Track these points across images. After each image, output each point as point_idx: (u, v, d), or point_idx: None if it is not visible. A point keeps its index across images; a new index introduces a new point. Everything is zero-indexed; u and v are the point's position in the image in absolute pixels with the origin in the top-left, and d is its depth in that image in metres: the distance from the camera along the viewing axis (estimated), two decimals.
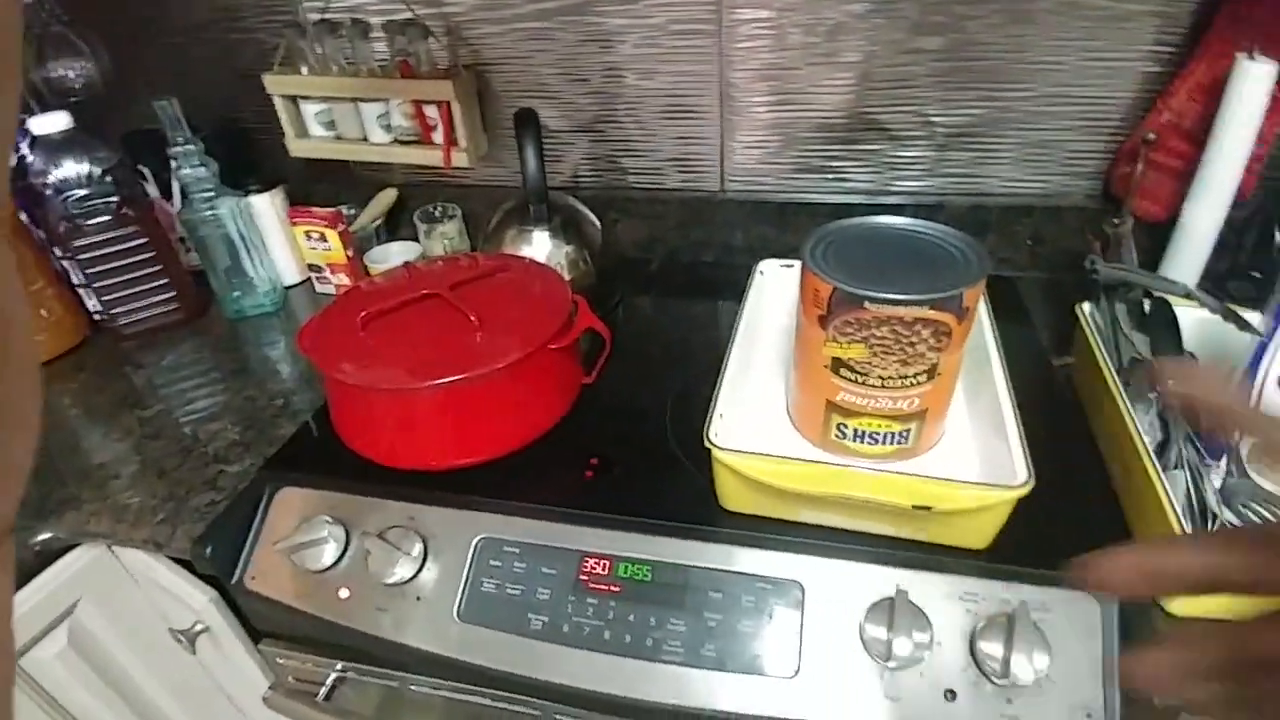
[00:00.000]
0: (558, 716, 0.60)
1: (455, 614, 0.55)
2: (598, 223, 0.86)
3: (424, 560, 0.57)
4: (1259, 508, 0.51)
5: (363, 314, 0.60)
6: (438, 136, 0.91)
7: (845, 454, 0.60)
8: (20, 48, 0.13)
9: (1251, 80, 0.68)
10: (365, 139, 0.94)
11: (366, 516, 0.59)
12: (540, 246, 0.80)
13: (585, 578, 0.55)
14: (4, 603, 0.14)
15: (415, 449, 0.59)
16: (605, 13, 0.85)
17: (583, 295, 0.83)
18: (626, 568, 0.55)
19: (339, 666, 0.65)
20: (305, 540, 0.57)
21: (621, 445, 0.66)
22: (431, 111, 0.90)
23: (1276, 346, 0.50)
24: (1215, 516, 0.49)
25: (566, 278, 0.82)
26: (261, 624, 0.66)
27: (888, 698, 0.48)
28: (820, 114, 0.86)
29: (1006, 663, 0.46)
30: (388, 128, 0.93)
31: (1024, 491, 0.47)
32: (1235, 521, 0.50)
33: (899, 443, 0.58)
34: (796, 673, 0.49)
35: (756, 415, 0.66)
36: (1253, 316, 0.59)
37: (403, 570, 0.56)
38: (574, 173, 0.98)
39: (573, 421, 0.67)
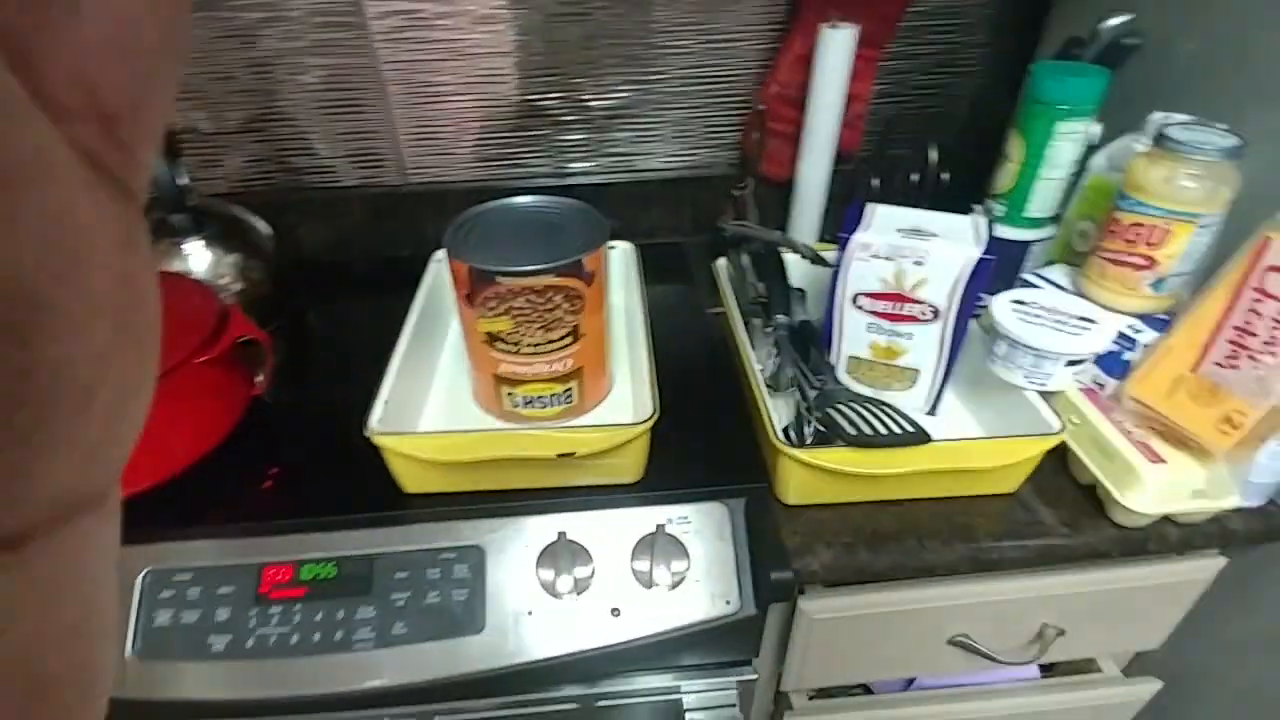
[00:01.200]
0: None
1: (130, 653, 0.51)
2: (267, 228, 0.82)
3: None
4: (843, 406, 0.62)
5: None
6: None
7: (523, 421, 0.64)
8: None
9: (834, 47, 0.79)
10: None
11: None
12: (198, 259, 0.75)
13: (266, 588, 0.54)
14: (115, 554, 0.13)
15: None
16: (239, 6, 0.80)
17: (259, 304, 0.80)
18: (310, 569, 0.55)
19: None
20: None
21: (303, 451, 0.65)
22: None
23: (842, 274, 0.62)
24: (810, 410, 0.60)
25: (237, 288, 0.78)
26: None
27: (563, 628, 0.53)
28: (487, 103, 0.89)
29: (653, 575, 0.53)
30: None
31: (649, 424, 0.54)
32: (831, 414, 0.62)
33: (565, 403, 0.64)
34: (483, 628, 0.53)
35: (443, 400, 0.68)
36: None
37: None
38: (240, 176, 0.92)
39: (246, 435, 0.64)
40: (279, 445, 0.66)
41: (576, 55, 0.87)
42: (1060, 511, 0.59)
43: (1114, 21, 0.71)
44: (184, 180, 0.74)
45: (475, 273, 0.55)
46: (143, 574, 0.53)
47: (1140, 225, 0.58)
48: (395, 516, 0.57)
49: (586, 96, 0.90)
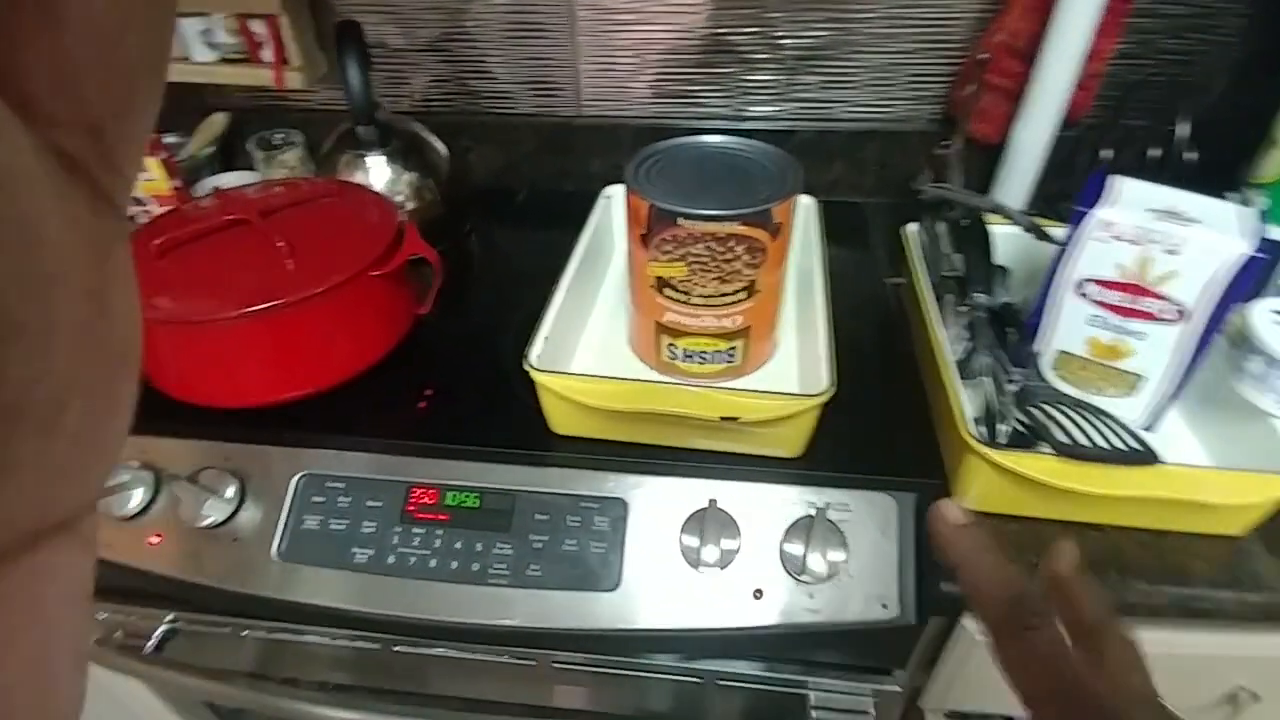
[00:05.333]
0: (395, 648, 0.59)
1: (275, 553, 0.53)
2: (444, 149, 0.82)
3: (241, 501, 0.55)
4: (1048, 407, 0.54)
5: (158, 242, 0.55)
6: (267, 55, 0.84)
7: (678, 374, 0.61)
8: None
9: None
10: (186, 58, 0.86)
11: (177, 459, 0.56)
12: (378, 173, 0.76)
13: (413, 508, 0.54)
14: (85, 583, 0.13)
15: (225, 385, 0.56)
16: None
17: (430, 225, 0.80)
18: (455, 496, 0.55)
19: (169, 617, 0.63)
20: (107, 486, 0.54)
21: (458, 376, 0.65)
22: (258, 27, 0.83)
23: (1070, 254, 0.53)
24: (1004, 418, 0.53)
25: (410, 206, 0.79)
26: None
27: (701, 602, 0.50)
28: (672, 36, 0.84)
29: (806, 562, 0.48)
30: (211, 45, 0.85)
31: (823, 399, 0.49)
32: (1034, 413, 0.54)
33: (727, 361, 0.60)
34: (618, 585, 0.51)
35: (598, 342, 0.66)
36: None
37: (216, 513, 0.54)
38: (423, 96, 0.93)
39: (408, 353, 0.64)
40: (437, 367, 0.66)
41: None
42: None
43: None
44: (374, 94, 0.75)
45: (655, 211, 0.52)
46: (298, 476, 0.55)
47: None
48: (541, 456, 0.56)
49: (780, 33, 0.83)
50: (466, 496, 0.54)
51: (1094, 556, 0.49)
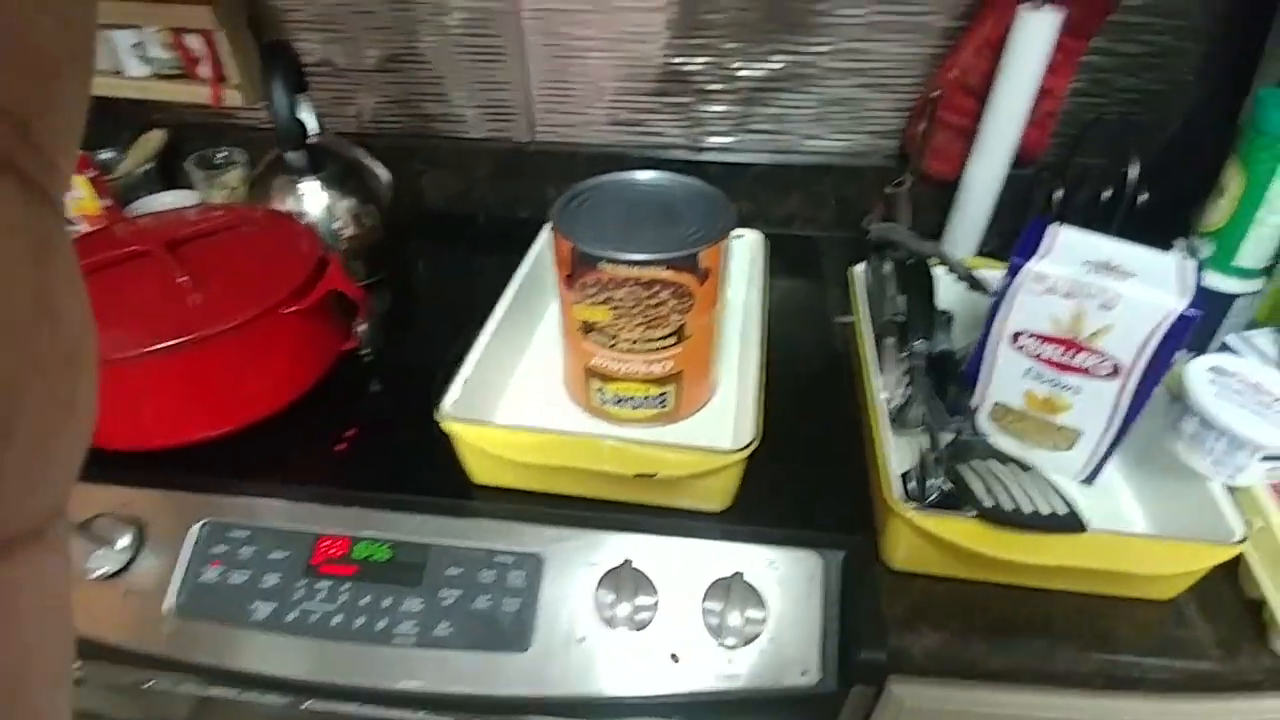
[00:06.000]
0: (303, 706, 0.56)
1: (168, 608, 0.50)
2: (385, 174, 0.80)
3: (136, 551, 0.51)
4: (981, 464, 0.52)
5: None
6: (205, 71, 0.82)
7: (609, 419, 0.59)
8: None
9: (1032, 31, 0.66)
10: (119, 72, 0.83)
11: (70, 504, 0.53)
12: (313, 199, 0.73)
13: (319, 560, 0.52)
14: (60, 595, 0.13)
15: (124, 426, 0.53)
16: None
17: (370, 252, 0.78)
18: (365, 547, 0.52)
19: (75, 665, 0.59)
20: None
21: (385, 416, 0.63)
22: (194, 42, 0.80)
23: (1005, 306, 0.51)
24: (939, 462, 0.50)
25: (348, 233, 0.76)
26: None
27: (616, 665, 0.47)
28: (626, 64, 0.83)
29: (725, 623, 0.46)
30: (144, 59, 0.82)
31: (745, 454, 0.47)
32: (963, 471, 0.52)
33: (659, 406, 0.57)
34: (529, 646, 0.48)
35: (534, 380, 0.63)
36: None
37: (108, 564, 0.50)
38: (372, 117, 0.90)
39: (332, 390, 0.62)
40: (363, 405, 0.64)
41: (731, 17, 0.79)
42: (1219, 628, 0.47)
43: None
44: (307, 116, 0.72)
45: (577, 253, 0.50)
46: (199, 524, 0.52)
47: None
48: (458, 506, 0.53)
49: (736, 64, 0.81)
50: (377, 548, 0.52)
51: (1021, 621, 0.47)
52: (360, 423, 0.61)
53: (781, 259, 0.71)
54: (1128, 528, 0.51)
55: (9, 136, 0.10)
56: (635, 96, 0.85)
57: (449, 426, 0.49)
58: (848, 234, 0.88)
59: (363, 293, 0.61)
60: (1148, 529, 0.51)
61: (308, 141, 0.70)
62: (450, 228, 0.91)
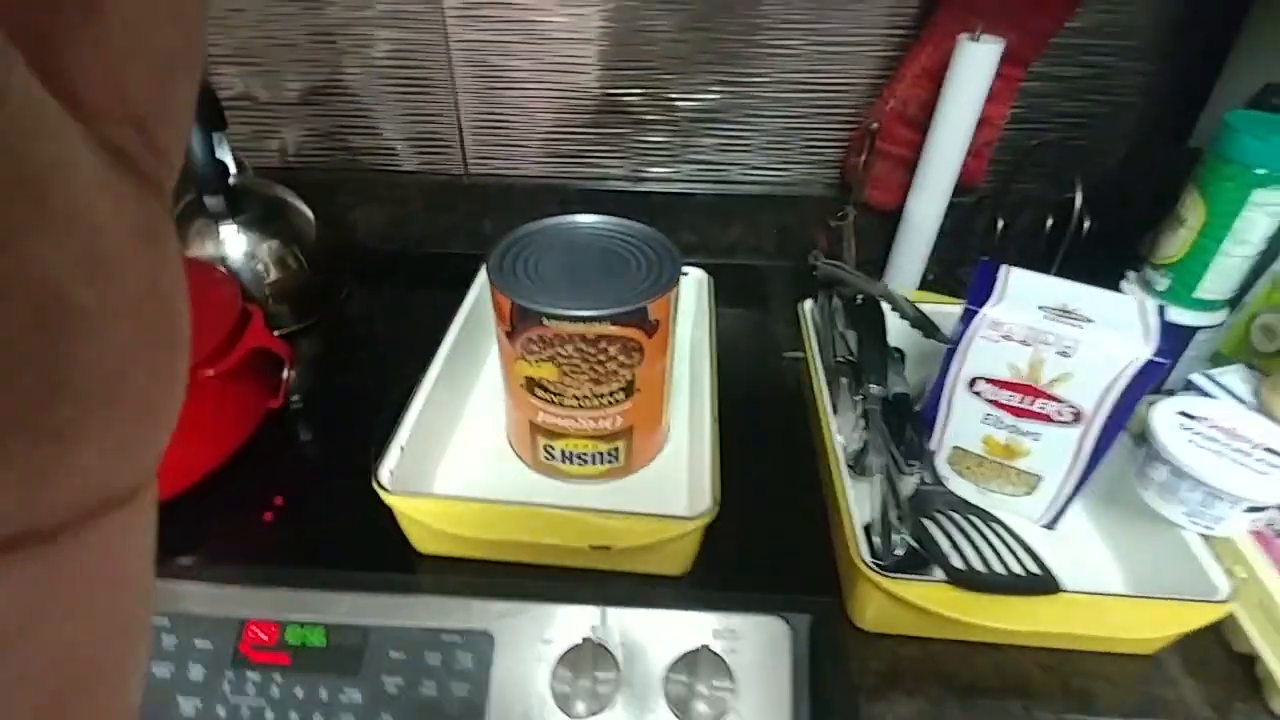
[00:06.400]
0: None
1: None
2: (310, 213, 0.75)
3: None
4: (944, 517, 0.51)
5: None
6: None
7: (559, 476, 0.56)
8: None
9: (973, 62, 0.66)
10: None
11: None
12: (233, 243, 0.68)
13: (247, 648, 0.47)
14: (150, 548, 0.14)
15: None
16: None
17: (296, 295, 0.73)
18: (297, 632, 0.47)
19: None
20: None
21: (315, 480, 0.58)
22: None
23: (961, 353, 0.50)
24: (901, 520, 0.49)
25: (272, 277, 0.71)
26: None
27: None
28: (560, 95, 0.80)
29: (691, 698, 0.44)
30: None
31: (705, 521, 0.45)
32: (927, 526, 0.50)
33: (610, 462, 0.55)
34: None
35: (477, 435, 0.60)
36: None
37: None
38: (295, 151, 0.85)
39: (257, 453, 0.57)
40: (291, 469, 0.59)
41: (667, 49, 0.77)
42: (1208, 687, 0.46)
43: None
44: (225, 155, 0.67)
45: (518, 309, 0.47)
46: None
47: None
48: (400, 581, 0.49)
49: (674, 95, 0.80)
50: (310, 632, 0.47)
51: (995, 683, 0.46)
52: (288, 488, 0.57)
53: (726, 290, 0.70)
54: (1097, 577, 0.50)
55: (128, 133, 0.11)
56: (572, 128, 0.83)
57: (389, 500, 0.46)
58: (790, 263, 0.87)
59: (288, 348, 0.57)
60: (1119, 577, 0.51)
61: (229, 182, 0.65)
62: (382, 265, 0.87)
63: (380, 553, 0.51)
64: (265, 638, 0.47)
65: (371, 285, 0.84)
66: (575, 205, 0.85)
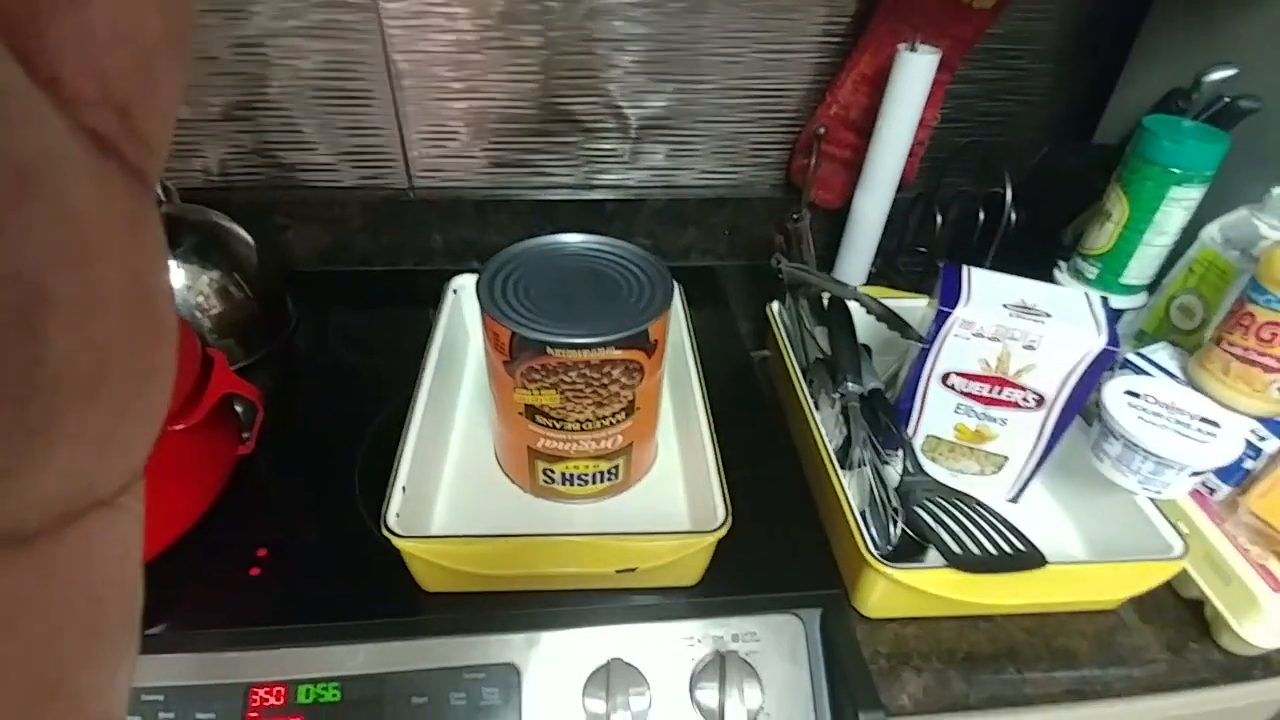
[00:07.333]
0: None
1: None
2: (249, 238, 0.71)
3: None
4: (931, 504, 0.55)
5: None
6: None
7: (558, 498, 0.56)
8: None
9: (912, 71, 0.69)
10: None
11: None
12: (172, 278, 0.64)
13: (256, 715, 0.45)
14: (135, 553, 0.13)
15: None
16: None
17: (245, 328, 0.70)
18: (309, 691, 0.46)
19: None
20: None
21: (297, 525, 0.56)
22: None
23: (935, 350, 0.54)
24: (897, 511, 0.52)
25: (217, 311, 0.67)
26: None
27: None
28: (507, 104, 0.79)
29: (722, 707, 0.45)
30: None
31: (722, 533, 0.46)
32: (919, 514, 0.54)
33: (609, 480, 0.55)
34: None
35: (462, 462, 0.59)
36: (918, 302, 0.63)
37: None
38: (220, 170, 0.80)
39: (232, 505, 0.54)
40: (270, 517, 0.56)
41: (612, 58, 0.77)
42: (1164, 632, 0.52)
43: (1218, 75, 0.63)
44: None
45: (519, 339, 0.46)
46: None
47: (1278, 325, 0.51)
48: (412, 624, 0.48)
49: (621, 102, 0.80)
50: (324, 690, 0.46)
51: (989, 650, 0.50)
52: (270, 537, 0.54)
53: (686, 290, 0.71)
54: (1060, 544, 0.55)
55: (112, 121, 0.11)
56: (520, 137, 0.82)
57: (401, 545, 0.45)
58: (743, 262, 0.90)
59: (257, 391, 0.54)
60: (1079, 542, 0.56)
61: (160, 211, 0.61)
62: (326, 286, 0.83)
63: (382, 595, 0.50)
64: (275, 701, 0.46)
65: (316, 309, 0.80)
66: (527, 215, 0.85)
